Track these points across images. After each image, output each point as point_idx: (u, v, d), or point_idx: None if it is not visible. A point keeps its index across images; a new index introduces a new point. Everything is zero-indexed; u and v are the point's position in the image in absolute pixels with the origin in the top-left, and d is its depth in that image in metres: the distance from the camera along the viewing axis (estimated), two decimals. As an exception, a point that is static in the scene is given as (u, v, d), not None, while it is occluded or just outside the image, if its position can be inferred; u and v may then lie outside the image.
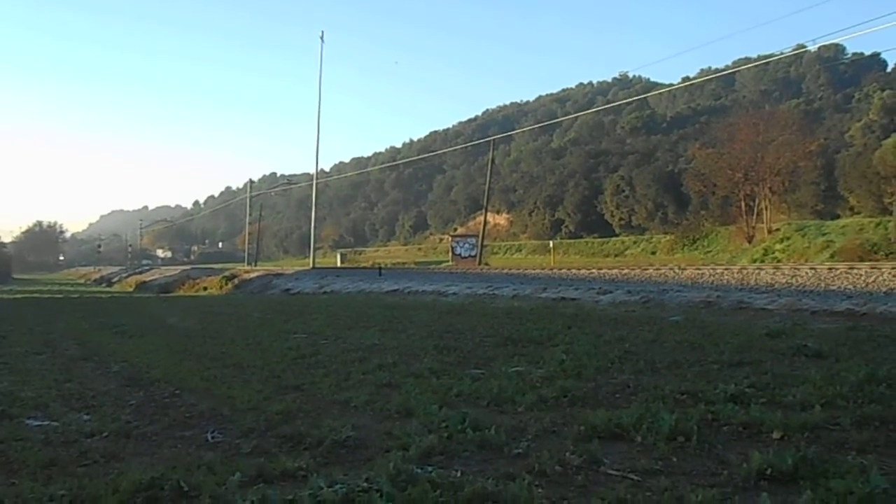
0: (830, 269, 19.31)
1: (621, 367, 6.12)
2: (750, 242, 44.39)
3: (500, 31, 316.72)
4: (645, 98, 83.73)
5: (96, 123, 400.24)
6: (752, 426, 3.93)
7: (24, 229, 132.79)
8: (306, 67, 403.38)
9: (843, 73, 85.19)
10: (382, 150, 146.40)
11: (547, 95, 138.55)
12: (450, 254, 56.67)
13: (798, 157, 45.52)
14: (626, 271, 25.67)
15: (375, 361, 6.81)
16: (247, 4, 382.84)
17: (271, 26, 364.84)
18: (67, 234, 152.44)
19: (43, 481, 3.34)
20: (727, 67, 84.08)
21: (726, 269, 22.70)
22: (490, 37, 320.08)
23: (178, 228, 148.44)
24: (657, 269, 25.08)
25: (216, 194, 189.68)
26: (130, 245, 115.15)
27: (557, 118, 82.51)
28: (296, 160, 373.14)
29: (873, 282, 16.25)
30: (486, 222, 54.80)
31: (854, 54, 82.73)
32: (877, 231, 36.61)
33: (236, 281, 38.77)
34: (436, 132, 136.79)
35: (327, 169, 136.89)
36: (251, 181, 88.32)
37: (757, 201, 46.14)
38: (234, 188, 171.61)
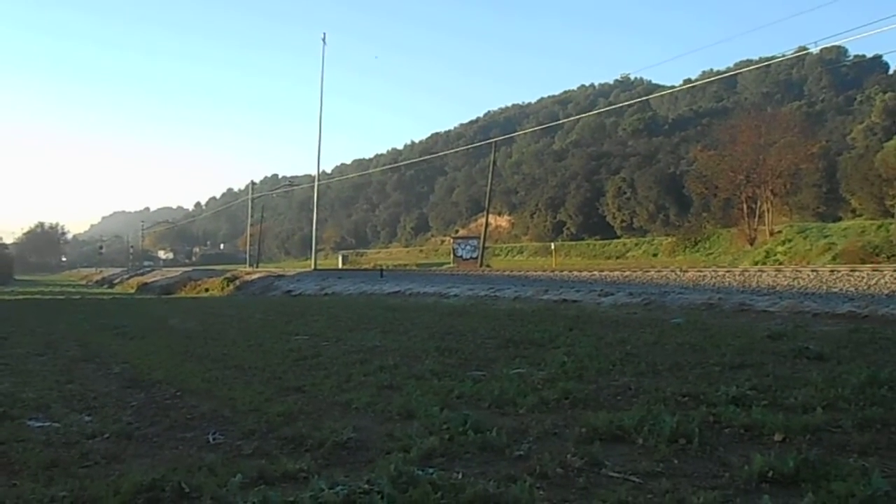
0: (832, 271, 19.29)
1: (623, 369, 6.12)
2: (751, 244, 44.36)
3: (501, 33, 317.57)
4: (647, 100, 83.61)
5: (97, 124, 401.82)
6: (753, 428, 3.93)
7: (25, 230, 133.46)
8: (307, 68, 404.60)
9: (845, 75, 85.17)
10: (384, 151, 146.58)
11: (549, 97, 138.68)
12: (451, 255, 56.65)
13: (800, 160, 45.49)
14: (627, 273, 25.65)
15: (377, 363, 6.81)
16: (247, 5, 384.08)
17: (271, 26, 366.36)
18: (69, 236, 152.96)
19: (44, 482, 3.34)
20: (729, 69, 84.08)
21: (728, 271, 22.68)
22: (492, 38, 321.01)
23: (179, 230, 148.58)
24: (659, 271, 25.07)
25: (218, 195, 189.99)
26: (132, 246, 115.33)
27: (559, 120, 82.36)
28: (297, 161, 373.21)
29: (875, 284, 16.23)
30: (487, 224, 54.83)
31: (856, 56, 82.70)
32: (878, 233, 36.57)
33: (238, 282, 38.80)
34: (437, 134, 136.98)
35: (329, 170, 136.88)
36: (253, 182, 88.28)
37: (758, 203, 46.12)
38: (235, 189, 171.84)
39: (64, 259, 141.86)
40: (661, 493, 2.97)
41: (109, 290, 53.97)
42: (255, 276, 40.13)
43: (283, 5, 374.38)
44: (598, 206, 66.64)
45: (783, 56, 70.13)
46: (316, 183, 51.80)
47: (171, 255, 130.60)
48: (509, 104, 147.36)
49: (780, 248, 39.67)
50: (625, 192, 63.57)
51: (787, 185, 46.14)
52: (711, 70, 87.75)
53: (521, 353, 7.39)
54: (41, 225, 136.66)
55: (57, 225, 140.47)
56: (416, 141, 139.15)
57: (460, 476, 3.24)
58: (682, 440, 3.69)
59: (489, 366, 6.63)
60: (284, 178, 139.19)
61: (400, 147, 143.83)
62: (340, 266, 68.68)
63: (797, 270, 20.34)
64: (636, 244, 60.45)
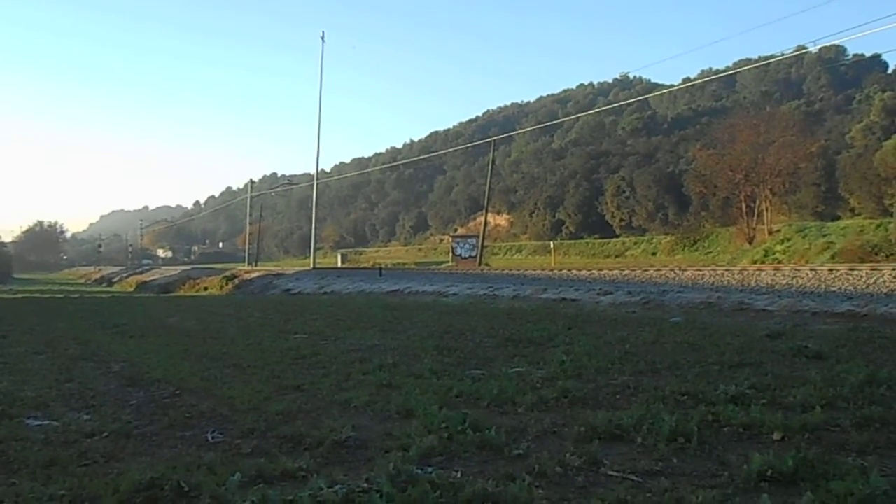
0: (831, 270, 19.27)
1: (622, 368, 6.12)
2: (750, 243, 44.37)
3: (500, 32, 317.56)
4: (646, 99, 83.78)
5: (96, 122, 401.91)
6: (752, 427, 3.93)
7: (24, 229, 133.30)
8: (307, 67, 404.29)
9: (844, 74, 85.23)
10: (383, 150, 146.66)
11: (548, 96, 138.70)
12: (450, 254, 56.62)
13: (799, 159, 45.50)
14: (626, 272, 25.63)
15: (376, 362, 6.80)
16: (247, 4, 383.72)
17: (272, 26, 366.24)
18: (68, 234, 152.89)
19: (43, 481, 3.33)
20: (728, 68, 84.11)
21: (727, 270, 22.66)
22: (491, 37, 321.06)
23: (178, 228, 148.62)
24: (658, 270, 25.05)
25: (217, 194, 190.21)
26: (131, 245, 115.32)
27: (558, 119, 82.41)
28: (296, 160, 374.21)
29: (874, 283, 16.23)
30: (486, 223, 54.83)
31: (855, 55, 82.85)
32: (877, 232, 36.56)
33: (237, 281, 38.79)
34: (436, 132, 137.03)
35: (328, 169, 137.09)
36: (252, 181, 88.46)
37: (757, 202, 46.12)
38: (234, 188, 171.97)
39: (63, 257, 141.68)
40: (659, 491, 2.97)
41: (108, 289, 53.95)
42: (254, 275, 40.12)
43: (283, 5, 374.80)
44: (597, 204, 66.71)
45: (782, 55, 70.10)
46: (315, 182, 51.78)
47: (169, 254, 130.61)
48: (508, 103, 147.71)
49: (778, 247, 39.66)
50: (624, 191, 63.63)
51: (785, 184, 46.16)
52: (710, 69, 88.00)
53: (520, 352, 7.38)
54: (40, 223, 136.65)
55: (56, 223, 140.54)
56: (415, 140, 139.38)
57: (459, 475, 3.24)
58: (681, 439, 3.69)
59: (488, 365, 6.63)
60: (283, 176, 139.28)
61: (399, 146, 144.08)
62: (339, 265, 68.69)
63: (796, 269, 20.33)
64: (635, 243, 60.51)
